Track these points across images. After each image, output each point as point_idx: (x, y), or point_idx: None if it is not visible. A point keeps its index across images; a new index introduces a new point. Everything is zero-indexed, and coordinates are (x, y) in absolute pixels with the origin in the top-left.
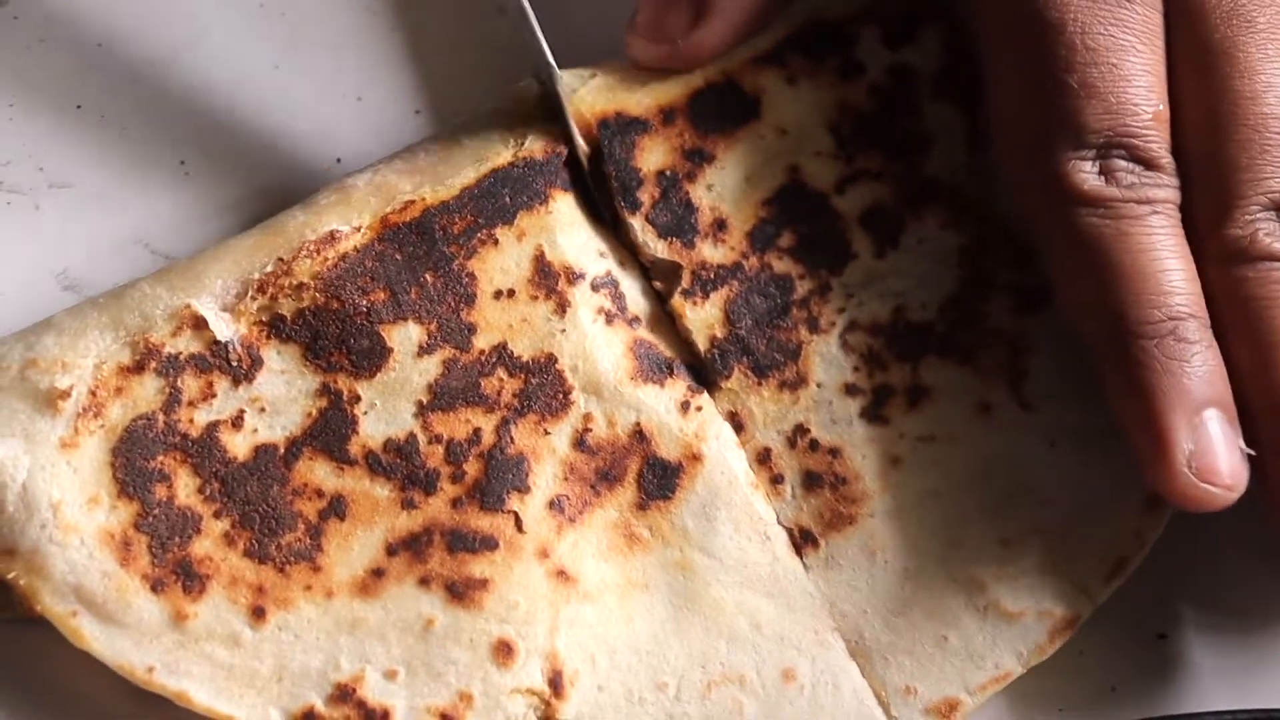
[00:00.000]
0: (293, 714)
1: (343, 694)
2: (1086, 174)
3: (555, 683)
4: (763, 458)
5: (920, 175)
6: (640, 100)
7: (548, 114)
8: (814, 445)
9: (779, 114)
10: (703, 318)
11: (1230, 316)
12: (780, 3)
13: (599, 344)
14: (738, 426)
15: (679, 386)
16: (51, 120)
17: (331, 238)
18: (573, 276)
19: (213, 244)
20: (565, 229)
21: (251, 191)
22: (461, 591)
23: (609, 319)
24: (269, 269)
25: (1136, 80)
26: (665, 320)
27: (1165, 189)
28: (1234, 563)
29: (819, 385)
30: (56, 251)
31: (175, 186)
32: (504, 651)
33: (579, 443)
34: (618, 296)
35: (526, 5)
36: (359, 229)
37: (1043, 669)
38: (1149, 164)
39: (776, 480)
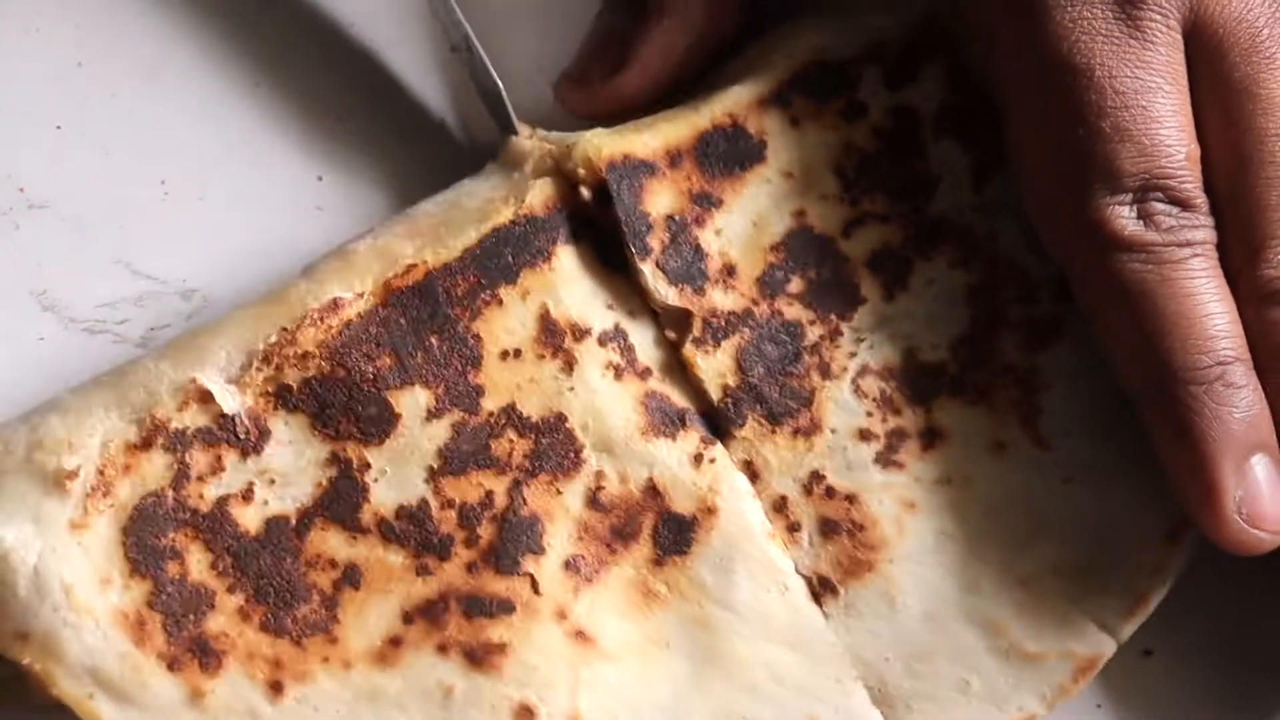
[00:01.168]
0: None
1: None
2: (1125, 219)
3: None
4: (779, 506)
5: (926, 216)
6: (646, 142)
7: (547, 168)
8: (830, 492)
9: (784, 157)
10: (715, 366)
11: (1265, 355)
12: (709, 56)
13: (608, 400)
14: (753, 475)
15: (691, 439)
16: (31, 140)
17: (335, 305)
18: (579, 333)
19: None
20: (569, 284)
21: (232, 210)
22: (480, 657)
23: (618, 373)
24: (273, 339)
25: (1167, 121)
26: (677, 369)
27: (1203, 230)
28: (1219, 580)
29: (833, 431)
30: (36, 272)
31: (156, 206)
32: (526, 716)
33: (592, 501)
34: (627, 349)
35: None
36: (362, 295)
37: None
38: (1185, 205)
39: (793, 529)
